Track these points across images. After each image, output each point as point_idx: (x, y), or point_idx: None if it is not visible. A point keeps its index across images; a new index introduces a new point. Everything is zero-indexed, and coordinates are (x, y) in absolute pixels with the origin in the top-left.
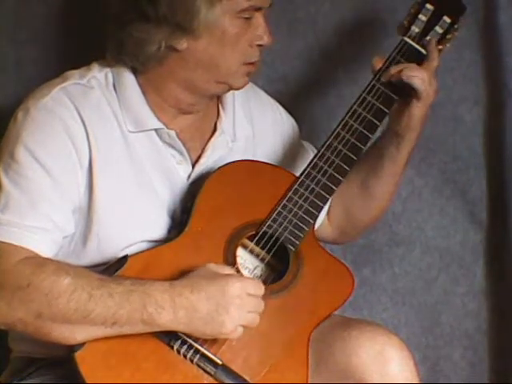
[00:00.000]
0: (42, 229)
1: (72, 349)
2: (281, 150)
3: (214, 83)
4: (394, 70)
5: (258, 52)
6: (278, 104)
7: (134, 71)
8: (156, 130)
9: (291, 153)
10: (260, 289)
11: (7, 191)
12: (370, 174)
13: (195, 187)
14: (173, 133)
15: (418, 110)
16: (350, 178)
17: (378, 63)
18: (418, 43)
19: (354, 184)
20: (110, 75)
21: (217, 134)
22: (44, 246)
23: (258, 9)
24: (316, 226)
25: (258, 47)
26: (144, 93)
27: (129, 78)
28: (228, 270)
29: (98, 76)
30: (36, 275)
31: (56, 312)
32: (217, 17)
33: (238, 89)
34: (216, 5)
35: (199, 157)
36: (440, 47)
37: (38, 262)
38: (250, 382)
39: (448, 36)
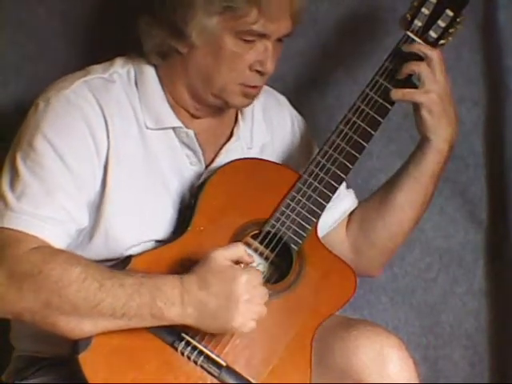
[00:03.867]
0: (56, 219)
1: (75, 350)
2: (298, 159)
3: (211, 95)
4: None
5: (257, 77)
6: (297, 113)
7: (157, 69)
8: (174, 128)
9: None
10: (260, 277)
11: (24, 179)
12: (394, 179)
13: (200, 187)
14: (191, 132)
15: (424, 112)
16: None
17: None
18: (420, 37)
19: (377, 194)
20: (132, 71)
21: (232, 139)
22: (56, 236)
23: (264, 35)
24: (332, 241)
25: (257, 73)
26: (165, 91)
27: (151, 76)
28: (236, 249)
29: (121, 71)
30: (47, 263)
31: (65, 301)
32: (213, 28)
33: (235, 107)
34: (213, 15)
35: (212, 161)
36: (443, 41)
37: (49, 251)
38: (254, 382)
39: (450, 30)
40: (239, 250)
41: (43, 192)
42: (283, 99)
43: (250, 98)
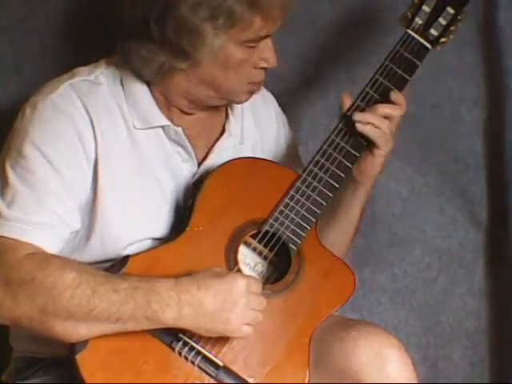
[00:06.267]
0: (48, 225)
1: (73, 351)
2: (283, 156)
3: (216, 98)
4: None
5: (262, 73)
6: (281, 111)
7: (148, 84)
8: (163, 126)
9: (289, 162)
10: (260, 286)
11: (14, 187)
12: (326, 220)
13: (198, 186)
14: (179, 129)
15: (379, 157)
16: None
17: (347, 101)
18: (421, 35)
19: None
20: (117, 72)
21: (225, 135)
22: (49, 242)
23: (266, 36)
24: None
25: (262, 69)
26: (151, 90)
27: (138, 81)
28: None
29: (106, 72)
30: (40, 270)
31: (60, 307)
32: (221, 45)
33: (239, 103)
34: (221, 35)
35: (205, 157)
36: (444, 39)
37: (42, 258)
38: (252, 382)
39: (452, 28)
40: None
41: (34, 198)
42: (268, 95)
43: (253, 93)
